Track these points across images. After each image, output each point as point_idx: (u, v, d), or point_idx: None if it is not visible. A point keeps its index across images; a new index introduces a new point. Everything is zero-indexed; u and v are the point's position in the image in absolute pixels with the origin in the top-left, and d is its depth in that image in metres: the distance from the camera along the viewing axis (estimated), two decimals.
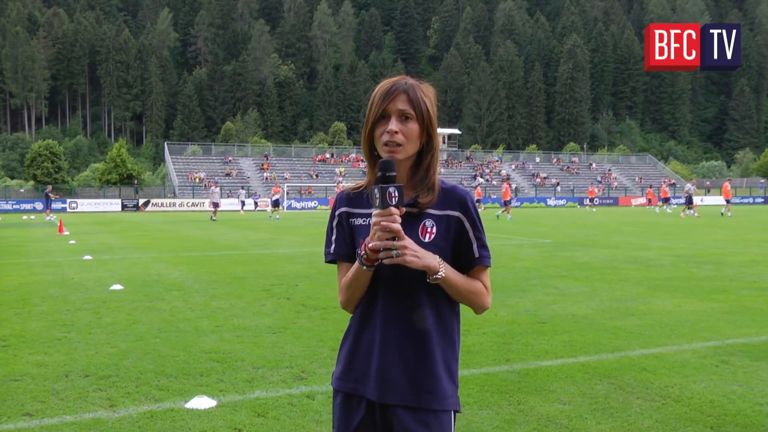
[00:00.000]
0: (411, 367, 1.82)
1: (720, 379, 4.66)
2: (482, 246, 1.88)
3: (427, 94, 1.86)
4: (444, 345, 1.85)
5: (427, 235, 1.82)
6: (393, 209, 1.67)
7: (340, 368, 1.92)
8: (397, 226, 1.67)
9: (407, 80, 1.86)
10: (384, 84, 1.86)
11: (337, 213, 1.94)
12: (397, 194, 1.67)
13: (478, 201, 46.83)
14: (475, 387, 4.47)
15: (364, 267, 1.77)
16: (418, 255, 1.72)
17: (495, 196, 54.14)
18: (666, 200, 40.92)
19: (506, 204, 31.61)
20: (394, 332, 1.83)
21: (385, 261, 1.71)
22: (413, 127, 1.81)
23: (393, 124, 1.79)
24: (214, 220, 31.01)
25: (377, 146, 1.84)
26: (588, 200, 50.84)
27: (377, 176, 1.72)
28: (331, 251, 1.94)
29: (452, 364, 1.87)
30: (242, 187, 48.67)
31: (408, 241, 1.71)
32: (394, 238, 1.69)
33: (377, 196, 1.67)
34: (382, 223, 1.67)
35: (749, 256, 12.81)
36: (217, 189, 34.98)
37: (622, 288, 8.81)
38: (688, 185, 32.64)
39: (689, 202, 31.91)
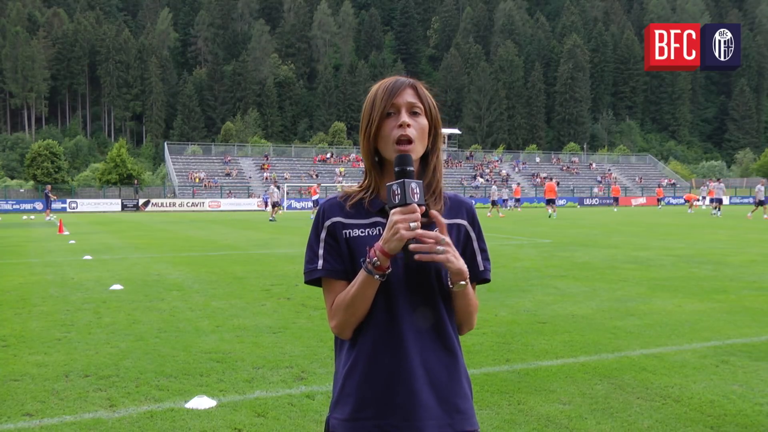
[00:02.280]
0: (441, 386, 1.64)
1: (720, 379, 4.66)
2: (486, 259, 1.75)
3: (428, 93, 1.75)
4: (463, 359, 1.73)
5: None
6: (416, 206, 1.50)
7: (351, 407, 1.65)
8: (419, 225, 1.51)
9: (408, 78, 1.74)
10: (385, 81, 1.72)
11: (326, 224, 1.69)
12: (418, 191, 1.51)
13: (517, 200, 46.63)
14: (475, 387, 4.45)
15: (376, 276, 1.55)
16: (456, 256, 1.56)
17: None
18: (695, 201, 40.55)
19: (552, 202, 31.93)
20: (418, 350, 1.62)
21: (425, 258, 1.51)
22: (423, 122, 1.68)
23: (405, 116, 1.64)
24: (272, 220, 29.36)
25: (383, 147, 1.67)
26: (612, 200, 50.61)
27: (395, 171, 1.56)
28: (319, 267, 1.67)
29: (468, 377, 1.74)
30: (278, 187, 46.06)
31: (449, 239, 1.56)
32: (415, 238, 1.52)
33: (397, 192, 1.50)
34: (400, 221, 1.49)
35: (749, 256, 12.81)
36: (277, 189, 32.52)
37: (622, 288, 8.81)
38: (759, 186, 31.44)
39: (761, 203, 30.90)
